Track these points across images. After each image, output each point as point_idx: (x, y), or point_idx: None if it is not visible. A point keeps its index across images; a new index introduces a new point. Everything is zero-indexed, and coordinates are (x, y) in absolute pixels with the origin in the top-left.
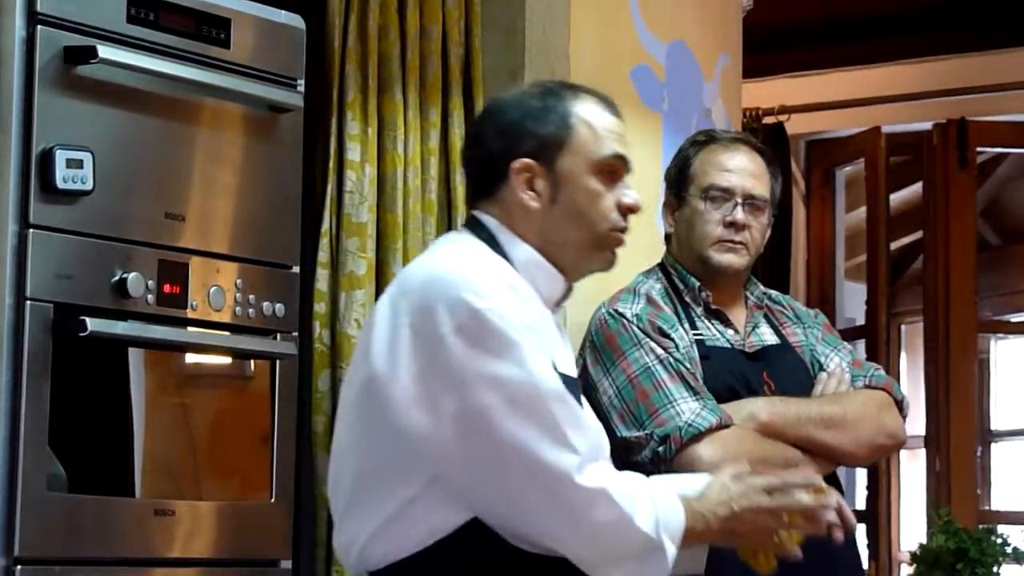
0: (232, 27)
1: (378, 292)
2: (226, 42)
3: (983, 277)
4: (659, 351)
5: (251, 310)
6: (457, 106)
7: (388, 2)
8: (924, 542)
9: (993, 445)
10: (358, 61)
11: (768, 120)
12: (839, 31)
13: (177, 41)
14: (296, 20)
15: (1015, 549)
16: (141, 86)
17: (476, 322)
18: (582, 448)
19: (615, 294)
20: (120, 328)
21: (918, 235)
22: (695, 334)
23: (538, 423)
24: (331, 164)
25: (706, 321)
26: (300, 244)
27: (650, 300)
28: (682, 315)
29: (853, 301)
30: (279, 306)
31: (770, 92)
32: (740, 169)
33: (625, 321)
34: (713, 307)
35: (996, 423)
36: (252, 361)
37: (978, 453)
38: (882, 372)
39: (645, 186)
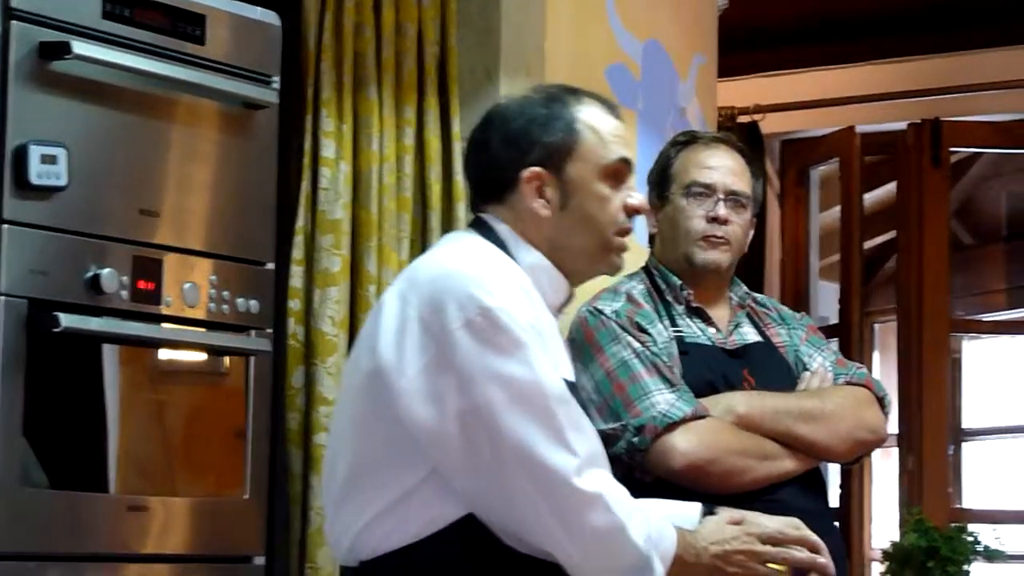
0: (207, 23)
1: (353, 289)
2: (201, 39)
3: (956, 277)
4: (636, 345)
5: (225, 306)
6: (432, 104)
7: (364, 0)
8: (896, 540)
9: (965, 444)
10: (333, 58)
11: (743, 119)
12: (814, 31)
13: (152, 37)
14: (271, 17)
15: (986, 547)
16: (116, 82)
17: (485, 319)
18: (582, 451)
19: (597, 293)
20: (94, 324)
21: (892, 235)
22: (675, 331)
23: (540, 423)
24: (306, 161)
25: (687, 319)
26: (275, 241)
27: (630, 298)
28: (663, 313)
29: (827, 300)
30: (253, 303)
31: (745, 91)
32: (721, 166)
33: (604, 317)
34: (694, 305)
35: (968, 422)
36: (226, 357)
37: (950, 452)
38: (864, 370)
39: None
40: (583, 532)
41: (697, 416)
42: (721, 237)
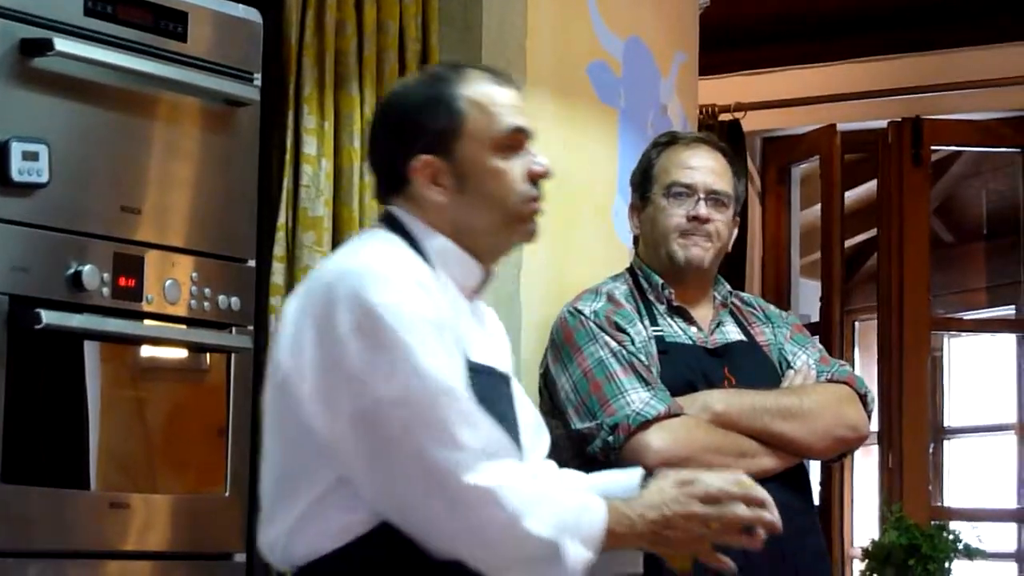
0: (189, 21)
1: None
2: (183, 36)
3: (937, 275)
4: (613, 345)
5: (207, 303)
6: None
7: None
8: (876, 538)
9: (946, 442)
10: (315, 56)
11: (724, 117)
12: (795, 29)
13: (134, 34)
14: (253, 14)
15: (967, 545)
16: (98, 79)
17: (370, 320)
18: (474, 445)
19: (579, 294)
20: (75, 321)
21: (872, 233)
22: (655, 330)
23: (424, 421)
24: (287, 158)
25: (668, 319)
26: (256, 238)
27: (611, 298)
28: (643, 313)
29: (808, 298)
30: (235, 300)
31: (726, 89)
32: (702, 166)
33: (583, 318)
34: (676, 304)
35: (949, 420)
36: (207, 354)
37: (930, 450)
38: (847, 367)
39: (601, 182)
40: (475, 530)
41: (671, 414)
42: (701, 235)
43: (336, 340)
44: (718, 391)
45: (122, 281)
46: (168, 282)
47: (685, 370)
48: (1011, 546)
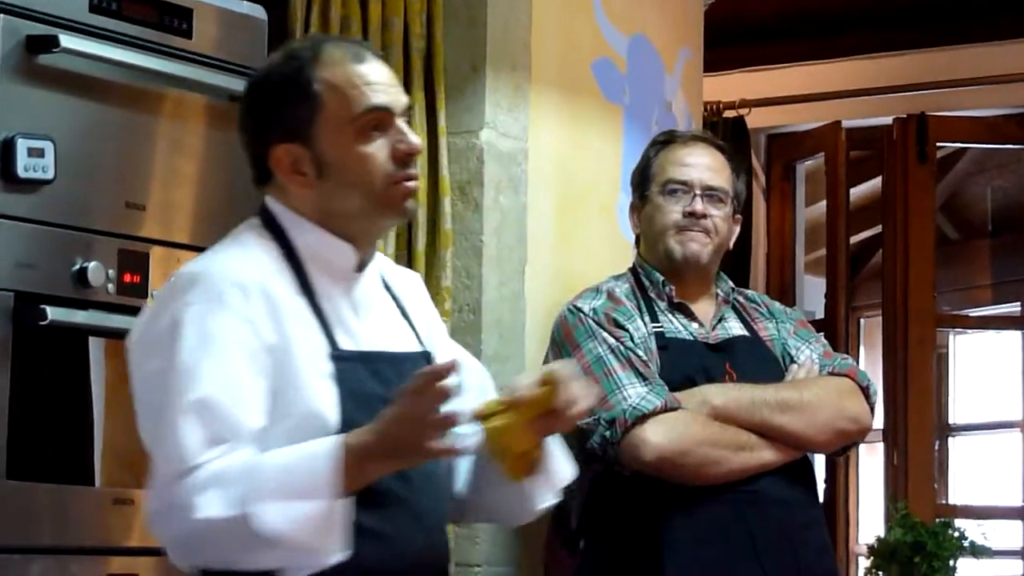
0: (194, 17)
1: None
2: (188, 32)
3: (942, 272)
4: (611, 341)
5: None
6: (418, 99)
7: None
8: (881, 535)
9: (951, 439)
10: None
11: (729, 114)
12: (800, 26)
13: (139, 31)
14: (258, 11)
15: (972, 543)
16: (103, 76)
17: (175, 328)
18: (189, 451)
19: (580, 292)
20: (80, 317)
21: (877, 229)
22: (655, 326)
23: (155, 426)
24: None
25: (669, 315)
26: None
27: (611, 296)
28: (644, 310)
29: (812, 295)
30: None
31: (731, 86)
32: (698, 163)
33: (582, 315)
34: (677, 301)
35: (954, 417)
36: None
37: (936, 447)
38: (849, 360)
39: (606, 179)
40: (170, 540)
41: (668, 408)
42: (699, 230)
43: (147, 344)
44: (717, 385)
45: (127, 277)
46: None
47: (685, 365)
48: (1016, 543)
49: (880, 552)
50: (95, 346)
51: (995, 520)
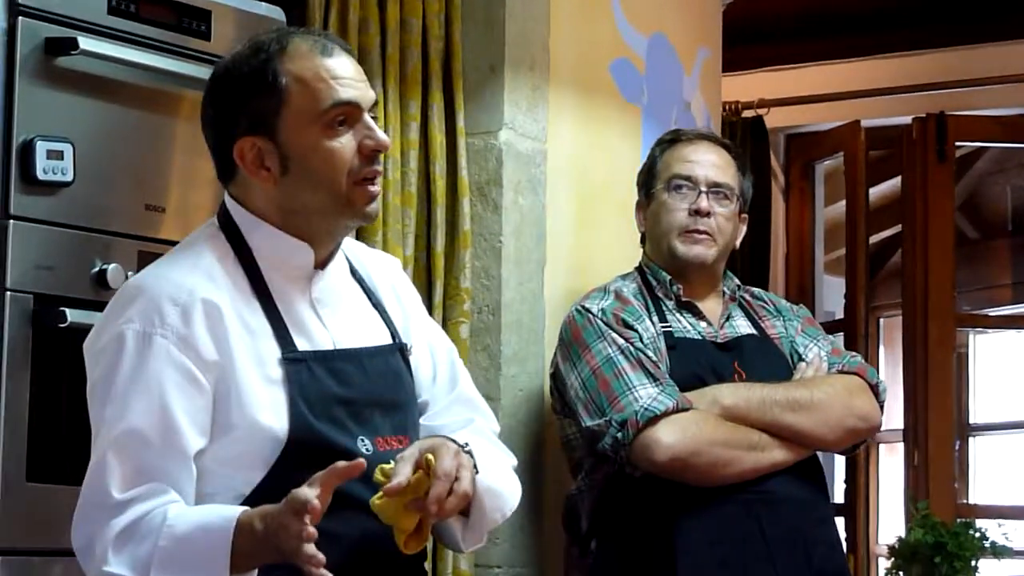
0: (213, 19)
1: None
2: (207, 34)
3: (961, 271)
4: (621, 342)
5: None
6: (437, 99)
7: None
8: (902, 536)
9: (971, 439)
10: None
11: (747, 114)
12: (819, 26)
13: (158, 33)
14: (276, 12)
15: (993, 543)
16: (122, 78)
17: (114, 343)
18: (116, 497)
19: (587, 292)
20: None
21: (897, 229)
22: (663, 326)
23: (93, 445)
24: None
25: (677, 314)
26: None
27: (619, 296)
28: (652, 309)
29: (832, 295)
30: None
31: (750, 86)
32: (703, 160)
33: (591, 316)
34: (684, 300)
35: (974, 417)
36: None
37: (956, 447)
38: (858, 358)
39: (625, 179)
40: None
41: (680, 409)
42: (704, 231)
43: (93, 353)
44: (727, 385)
45: None
46: None
47: (694, 365)
48: None
49: (901, 553)
50: None
51: (1016, 520)
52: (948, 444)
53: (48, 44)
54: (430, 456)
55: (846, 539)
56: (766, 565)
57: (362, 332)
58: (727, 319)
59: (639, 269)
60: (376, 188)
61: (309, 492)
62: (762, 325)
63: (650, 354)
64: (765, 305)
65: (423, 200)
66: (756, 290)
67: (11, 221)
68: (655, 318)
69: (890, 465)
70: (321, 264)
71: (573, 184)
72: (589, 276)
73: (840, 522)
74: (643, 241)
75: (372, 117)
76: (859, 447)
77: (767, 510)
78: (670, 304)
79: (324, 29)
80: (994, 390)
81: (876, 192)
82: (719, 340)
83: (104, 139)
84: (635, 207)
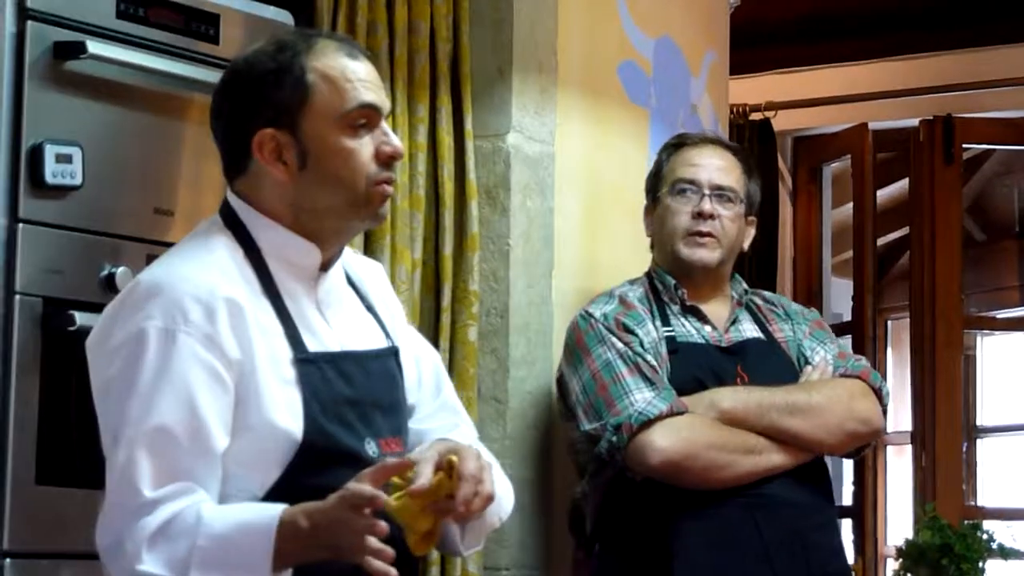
0: (221, 22)
1: None
2: (215, 38)
3: (969, 273)
4: (620, 346)
5: None
6: (445, 102)
7: None
8: (910, 537)
9: (979, 441)
10: None
11: (755, 116)
12: (826, 28)
13: (166, 36)
14: (285, 16)
15: (1000, 545)
16: (130, 81)
17: (135, 343)
18: (147, 496)
19: (593, 297)
20: None
21: (904, 231)
22: (666, 331)
23: (111, 447)
24: None
25: (681, 318)
26: None
27: (623, 301)
28: (656, 314)
29: (840, 297)
30: None
31: (757, 88)
32: (707, 163)
33: (593, 320)
34: (689, 304)
35: (982, 419)
36: None
37: (964, 449)
38: (863, 362)
39: (632, 182)
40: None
41: (674, 413)
42: (707, 233)
43: (106, 351)
44: (727, 389)
45: None
46: None
47: (694, 368)
48: None
49: (908, 554)
50: None
51: None
52: (956, 446)
53: (57, 48)
54: (454, 458)
55: (854, 540)
56: (764, 568)
57: (362, 335)
58: (733, 323)
59: (648, 274)
60: (389, 190)
61: (365, 487)
62: (770, 329)
63: (649, 359)
64: (775, 309)
65: (431, 203)
66: (768, 294)
67: (20, 225)
68: (658, 322)
69: (898, 467)
70: (324, 266)
71: (581, 187)
72: (597, 279)
73: (848, 523)
74: (652, 246)
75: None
76: (863, 451)
77: (765, 513)
78: (675, 308)
79: (332, 31)
80: (1002, 392)
81: (884, 194)
82: (723, 344)
83: (113, 143)
84: (643, 212)
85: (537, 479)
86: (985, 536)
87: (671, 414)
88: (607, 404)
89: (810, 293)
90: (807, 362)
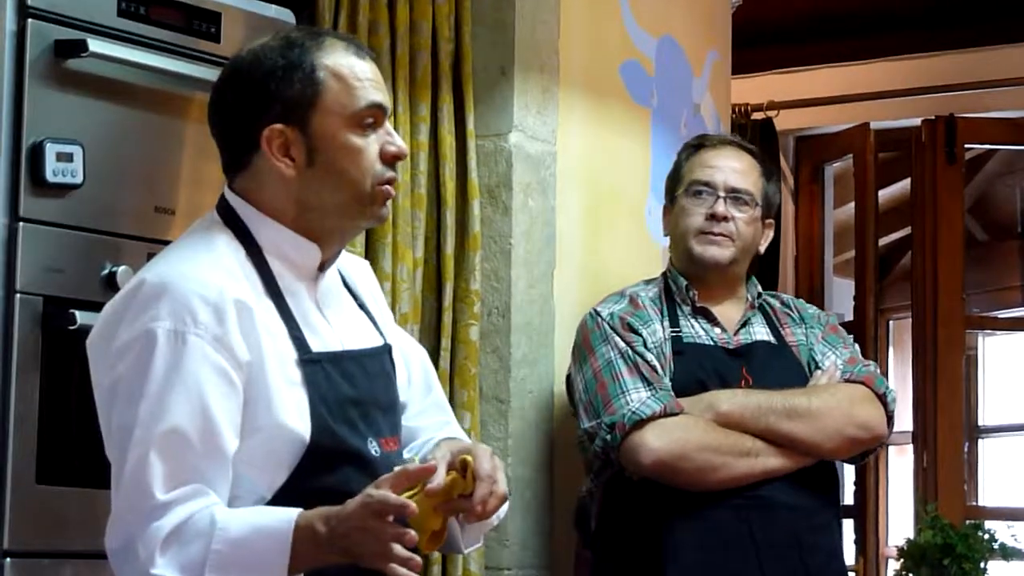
0: (222, 21)
1: None
2: (216, 36)
3: (971, 273)
4: (622, 346)
5: None
6: (447, 101)
7: None
8: (911, 537)
9: (981, 441)
10: None
11: (757, 116)
12: (828, 28)
13: (167, 35)
14: (286, 14)
15: (1002, 545)
16: (131, 80)
17: (142, 343)
18: (160, 498)
19: (605, 296)
20: None
21: (906, 231)
22: (673, 331)
23: (119, 449)
24: None
25: (691, 319)
26: None
27: (632, 301)
28: (665, 314)
29: (841, 297)
30: None
31: (759, 88)
32: (724, 166)
33: (599, 319)
34: (699, 305)
35: (984, 419)
36: None
37: (965, 449)
38: (871, 367)
39: (634, 182)
40: None
41: (668, 413)
42: (719, 233)
43: (111, 351)
44: (726, 391)
45: None
46: None
47: (699, 370)
48: None
49: (910, 554)
50: None
51: None
52: (957, 446)
53: (57, 46)
54: (469, 458)
55: (855, 540)
56: (755, 571)
57: (359, 334)
58: (744, 325)
59: (664, 274)
60: (393, 190)
61: (391, 495)
62: (782, 332)
63: (649, 359)
64: (790, 312)
65: (433, 202)
66: (785, 296)
67: (21, 223)
68: (666, 323)
69: (899, 467)
70: (321, 266)
71: (582, 186)
72: (599, 278)
73: (849, 524)
74: (670, 246)
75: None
76: (867, 456)
77: (759, 516)
78: (686, 309)
79: (334, 30)
80: (1003, 392)
81: (885, 194)
82: (731, 346)
83: (113, 141)
84: (662, 212)
85: (539, 479)
86: (987, 536)
87: (665, 415)
88: (604, 403)
89: (812, 293)
90: (818, 367)
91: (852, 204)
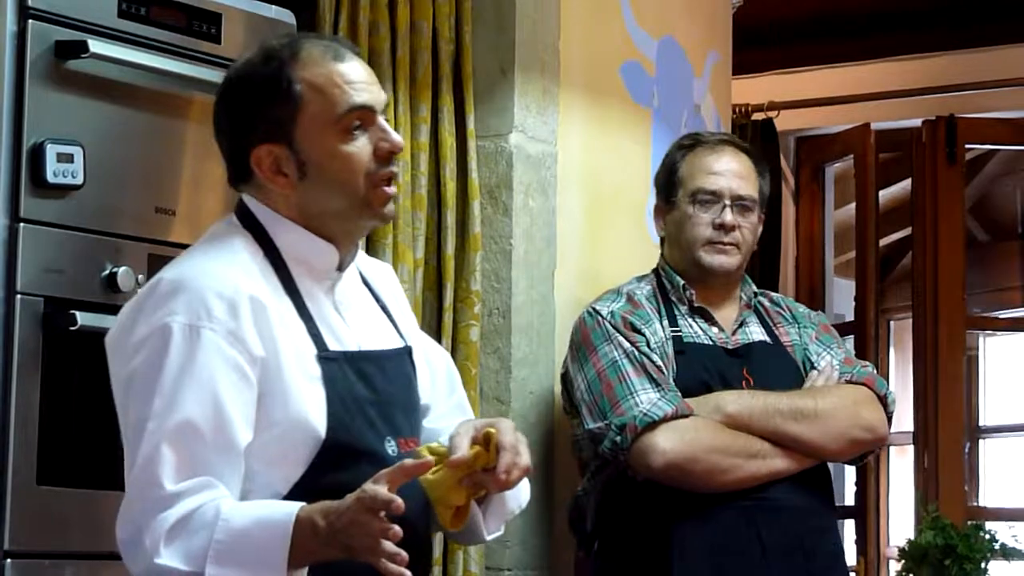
0: (223, 22)
1: None
2: (217, 37)
3: (972, 274)
4: (627, 345)
5: None
6: (447, 102)
7: None
8: (912, 538)
9: (982, 441)
10: None
11: (757, 116)
12: (829, 28)
13: (168, 36)
14: (287, 15)
15: (1003, 545)
16: (132, 81)
17: (158, 338)
18: (169, 489)
19: (600, 294)
20: (110, 322)
21: (907, 232)
22: (673, 331)
23: (133, 441)
24: None
25: (689, 319)
26: None
27: (630, 299)
28: (663, 313)
29: (842, 298)
30: None
31: (760, 88)
32: (727, 171)
33: (600, 318)
34: (697, 305)
35: (985, 420)
36: None
37: (966, 450)
38: (869, 368)
39: (635, 182)
40: (131, 569)
41: (679, 415)
42: (728, 243)
43: (128, 346)
44: (732, 392)
45: None
46: None
47: (701, 370)
48: None
49: (911, 555)
50: None
51: None
52: (958, 446)
53: (58, 47)
54: (492, 431)
55: (856, 541)
56: (762, 573)
57: (378, 335)
58: (740, 325)
59: (656, 271)
60: (392, 189)
61: (382, 490)
62: (776, 332)
63: (655, 359)
64: (782, 312)
65: (433, 203)
66: (776, 296)
67: (21, 224)
68: (665, 322)
69: (900, 467)
70: (339, 266)
71: (583, 187)
72: (599, 278)
73: (850, 524)
74: (662, 244)
75: (385, 119)
76: (866, 457)
77: (766, 518)
78: (683, 309)
79: (334, 32)
80: (1004, 392)
81: (886, 195)
82: (730, 346)
83: (114, 142)
84: (653, 211)
85: (539, 479)
86: (988, 536)
87: (676, 416)
88: (612, 404)
89: (812, 294)
90: (812, 366)
91: (853, 204)
